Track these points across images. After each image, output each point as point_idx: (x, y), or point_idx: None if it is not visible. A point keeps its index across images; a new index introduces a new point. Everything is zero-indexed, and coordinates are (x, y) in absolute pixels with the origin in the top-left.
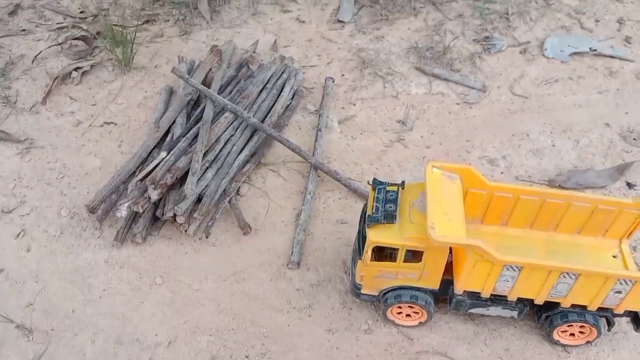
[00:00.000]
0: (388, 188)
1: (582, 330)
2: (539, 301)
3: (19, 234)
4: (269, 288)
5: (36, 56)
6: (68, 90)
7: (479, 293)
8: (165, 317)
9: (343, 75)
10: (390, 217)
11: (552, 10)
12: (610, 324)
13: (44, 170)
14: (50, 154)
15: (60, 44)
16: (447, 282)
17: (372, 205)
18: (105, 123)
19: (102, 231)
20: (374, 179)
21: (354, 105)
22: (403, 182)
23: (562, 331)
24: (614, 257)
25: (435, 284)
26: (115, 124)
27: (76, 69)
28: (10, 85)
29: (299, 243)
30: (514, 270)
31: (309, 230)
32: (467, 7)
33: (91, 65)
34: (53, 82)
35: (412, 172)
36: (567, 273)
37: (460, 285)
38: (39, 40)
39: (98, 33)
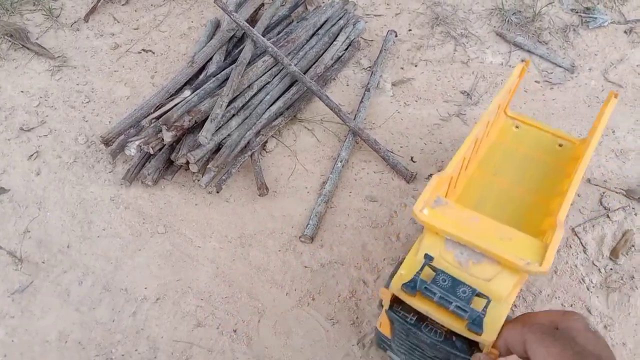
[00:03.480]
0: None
1: None
2: None
3: (33, 155)
4: (274, 259)
5: None
6: (114, 10)
7: None
8: (159, 271)
9: (410, 30)
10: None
11: None
12: None
13: (71, 92)
14: (81, 75)
15: None
16: None
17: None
18: (144, 50)
19: (115, 166)
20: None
21: (415, 66)
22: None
23: None
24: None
25: None
26: (153, 53)
27: None
28: None
29: (317, 215)
30: None
31: (332, 203)
32: None
33: None
34: (99, 0)
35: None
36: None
37: None
38: None
39: None
